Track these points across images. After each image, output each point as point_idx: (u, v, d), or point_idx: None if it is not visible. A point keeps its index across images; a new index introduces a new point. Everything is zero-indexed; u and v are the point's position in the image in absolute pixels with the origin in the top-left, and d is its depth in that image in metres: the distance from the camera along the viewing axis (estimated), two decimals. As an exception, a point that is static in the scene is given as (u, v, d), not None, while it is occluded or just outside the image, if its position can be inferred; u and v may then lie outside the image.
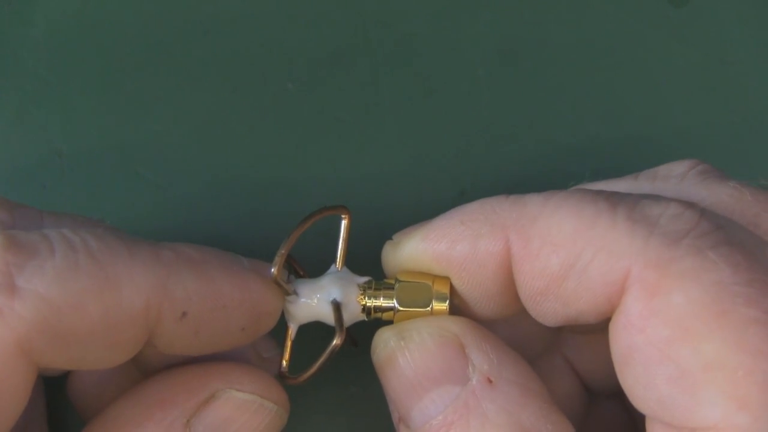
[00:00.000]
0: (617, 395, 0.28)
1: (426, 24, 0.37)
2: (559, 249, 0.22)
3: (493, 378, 0.23)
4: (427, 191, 0.35)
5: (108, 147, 0.35)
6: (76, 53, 0.36)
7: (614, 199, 0.22)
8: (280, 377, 0.26)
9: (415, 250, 0.25)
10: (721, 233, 0.21)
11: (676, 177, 0.25)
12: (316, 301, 0.26)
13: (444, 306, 0.25)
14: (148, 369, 0.26)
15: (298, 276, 0.27)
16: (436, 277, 0.25)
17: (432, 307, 0.25)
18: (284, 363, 0.26)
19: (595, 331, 0.23)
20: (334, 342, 0.25)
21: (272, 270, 0.25)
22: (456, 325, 0.24)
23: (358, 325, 0.27)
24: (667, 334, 0.20)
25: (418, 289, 0.25)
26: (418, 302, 0.25)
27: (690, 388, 0.20)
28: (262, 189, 0.35)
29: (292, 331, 0.26)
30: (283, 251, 0.25)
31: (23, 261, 0.21)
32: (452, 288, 0.25)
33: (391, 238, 0.27)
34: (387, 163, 0.36)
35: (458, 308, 0.25)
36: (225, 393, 0.24)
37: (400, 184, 0.35)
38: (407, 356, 0.24)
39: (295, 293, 0.26)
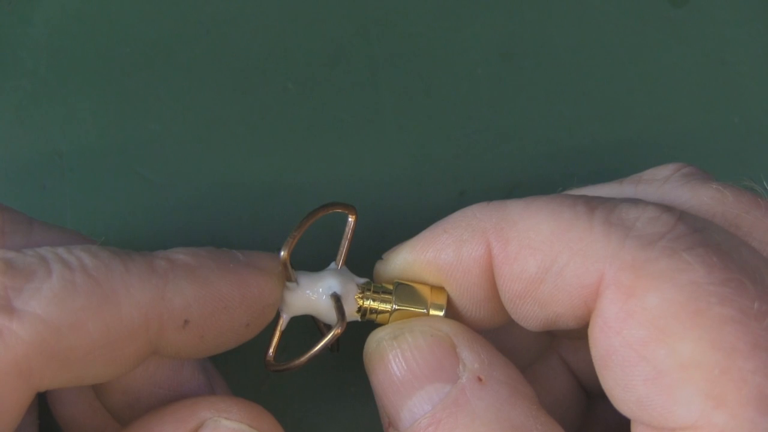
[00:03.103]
0: None
1: (426, 24, 0.37)
2: (536, 252, 0.22)
3: (483, 377, 0.23)
4: (427, 191, 0.35)
5: (108, 147, 0.35)
6: (76, 53, 0.36)
7: (593, 203, 0.22)
8: (266, 365, 0.26)
9: (404, 261, 0.25)
10: (698, 235, 0.21)
11: (659, 180, 0.25)
12: (315, 293, 0.26)
13: (440, 314, 0.25)
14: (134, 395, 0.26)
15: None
16: (432, 287, 0.25)
17: (428, 312, 0.25)
18: (271, 352, 0.26)
19: (582, 337, 0.23)
20: (334, 330, 0.25)
21: (281, 253, 0.25)
22: (447, 325, 0.24)
23: (348, 333, 0.27)
24: (643, 335, 0.20)
25: (417, 293, 0.25)
26: (416, 303, 0.25)
27: (667, 388, 0.20)
28: (262, 188, 0.35)
29: (283, 321, 0.26)
30: (295, 233, 0.25)
31: (21, 284, 0.21)
32: (448, 298, 0.25)
33: (380, 258, 0.27)
34: (387, 163, 0.36)
35: (451, 317, 0.25)
36: (213, 422, 0.24)
37: (400, 184, 0.35)
38: (399, 355, 0.24)
39: (297, 282, 0.26)
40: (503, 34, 0.37)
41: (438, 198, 0.35)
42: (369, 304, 0.26)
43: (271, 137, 0.36)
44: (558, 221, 0.22)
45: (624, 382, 0.21)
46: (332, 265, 0.27)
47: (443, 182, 0.36)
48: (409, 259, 0.25)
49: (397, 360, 0.24)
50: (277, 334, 0.26)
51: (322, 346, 0.25)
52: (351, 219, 0.27)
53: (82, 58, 0.36)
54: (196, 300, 0.23)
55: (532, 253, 0.22)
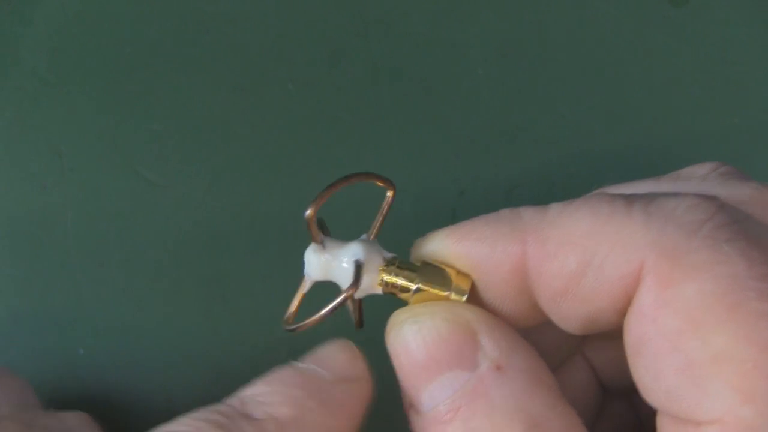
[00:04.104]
0: (629, 395, 0.28)
1: (426, 24, 0.37)
2: (575, 247, 0.22)
3: (502, 365, 0.23)
4: (428, 191, 0.35)
5: (108, 147, 0.35)
6: (76, 53, 0.36)
7: (631, 197, 0.22)
8: (284, 325, 0.26)
9: (438, 245, 0.25)
10: (738, 226, 0.21)
11: (697, 178, 0.25)
12: (339, 259, 0.25)
13: (462, 299, 0.25)
14: None
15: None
16: (458, 272, 0.25)
17: (450, 296, 0.25)
18: (290, 312, 0.26)
19: (616, 336, 0.23)
20: (345, 293, 0.25)
21: (307, 211, 0.24)
22: (469, 312, 0.24)
23: (370, 316, 0.27)
24: (678, 325, 0.20)
25: (442, 275, 0.25)
26: (440, 285, 0.25)
27: (697, 379, 0.20)
28: (262, 189, 0.35)
29: (306, 284, 0.26)
30: (324, 192, 0.24)
31: None
32: (472, 285, 0.25)
33: (422, 236, 0.27)
34: (387, 163, 0.36)
35: (474, 304, 0.25)
36: None
37: (400, 184, 0.35)
38: (419, 339, 0.24)
39: (323, 245, 0.26)
40: (503, 34, 0.37)
41: (438, 198, 0.35)
42: (392, 278, 0.26)
43: (271, 137, 0.36)
44: (596, 215, 0.22)
45: (654, 372, 0.21)
46: (364, 236, 0.27)
47: (443, 182, 0.36)
48: (443, 244, 0.25)
49: (418, 345, 0.24)
50: (299, 296, 0.26)
51: (333, 306, 0.25)
52: (389, 194, 0.27)
53: (82, 58, 0.36)
54: None
55: (572, 248, 0.22)
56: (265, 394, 0.23)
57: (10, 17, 0.36)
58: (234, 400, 0.23)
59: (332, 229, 0.27)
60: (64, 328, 0.34)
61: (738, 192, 0.24)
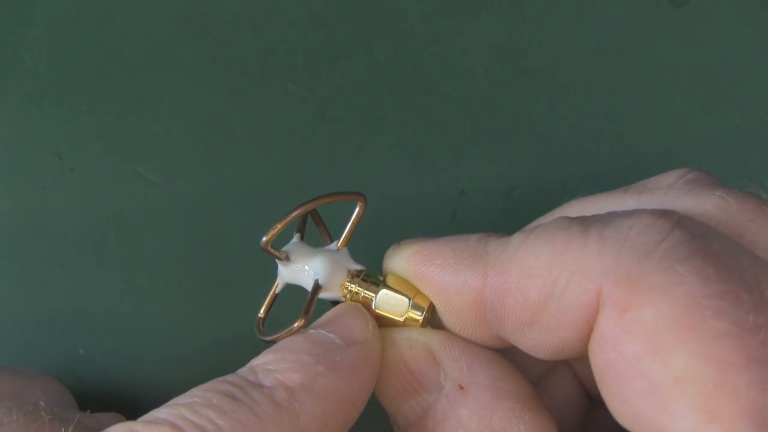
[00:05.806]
0: None
1: (426, 24, 0.37)
2: (536, 279, 0.22)
3: (464, 384, 0.23)
4: (427, 191, 0.35)
5: (108, 147, 0.35)
6: (76, 53, 0.36)
7: (588, 221, 0.22)
8: (256, 326, 0.27)
9: (403, 264, 0.26)
10: (695, 243, 0.21)
11: (663, 188, 0.25)
12: (303, 270, 0.26)
13: (418, 318, 0.25)
14: None
15: (325, 236, 0.28)
16: (418, 293, 0.25)
17: (405, 317, 0.25)
18: (261, 314, 0.27)
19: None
20: (295, 324, 0.25)
21: (263, 239, 0.25)
22: (423, 336, 0.25)
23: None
24: (638, 350, 0.20)
25: (400, 294, 0.26)
26: (394, 309, 0.26)
27: (661, 402, 0.20)
28: (262, 189, 0.35)
29: (278, 286, 0.27)
30: (279, 226, 0.25)
31: None
32: (432, 307, 0.25)
33: (398, 244, 0.27)
34: (387, 163, 0.36)
35: (435, 325, 0.26)
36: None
37: (401, 184, 0.36)
38: (385, 369, 0.25)
39: (288, 258, 0.26)
40: (503, 34, 0.37)
41: (438, 198, 0.35)
42: (355, 289, 0.26)
43: (271, 137, 0.36)
44: (554, 245, 0.22)
45: (621, 397, 0.21)
46: (333, 244, 0.27)
47: (443, 182, 0.36)
48: (409, 264, 0.25)
49: (384, 374, 0.25)
50: (271, 296, 0.27)
51: (282, 335, 0.25)
52: (359, 205, 0.27)
53: (82, 58, 0.36)
54: (328, 415, 0.23)
55: (533, 280, 0.22)
56: (275, 362, 0.23)
57: (10, 17, 0.36)
58: (244, 370, 0.24)
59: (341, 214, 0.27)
60: (64, 327, 0.34)
61: (702, 202, 0.24)
